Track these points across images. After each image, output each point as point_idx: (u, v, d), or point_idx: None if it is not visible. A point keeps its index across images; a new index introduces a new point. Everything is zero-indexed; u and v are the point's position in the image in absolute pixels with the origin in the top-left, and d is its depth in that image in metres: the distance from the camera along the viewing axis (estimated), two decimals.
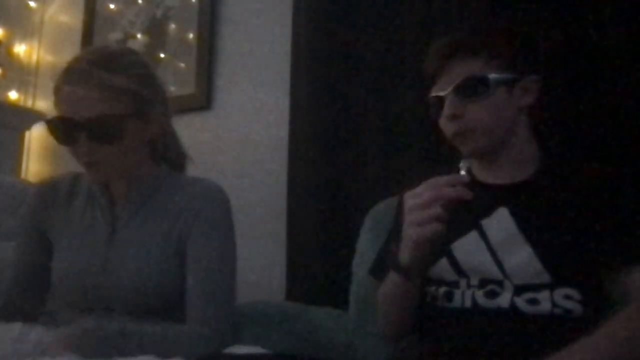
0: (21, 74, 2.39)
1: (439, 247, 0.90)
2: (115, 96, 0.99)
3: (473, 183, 0.98)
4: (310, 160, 1.63)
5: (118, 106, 0.99)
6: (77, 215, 1.11)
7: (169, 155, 1.17)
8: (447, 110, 0.96)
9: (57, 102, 1.00)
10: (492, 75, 0.95)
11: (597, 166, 0.98)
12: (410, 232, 0.85)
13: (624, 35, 1.22)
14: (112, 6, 2.29)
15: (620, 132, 1.19)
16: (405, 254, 0.89)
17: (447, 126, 0.99)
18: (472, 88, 0.95)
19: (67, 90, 0.98)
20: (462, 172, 0.87)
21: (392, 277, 0.96)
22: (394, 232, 1.07)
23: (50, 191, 1.15)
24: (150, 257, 1.04)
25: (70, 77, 0.99)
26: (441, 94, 0.98)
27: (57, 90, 1.00)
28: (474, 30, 1.07)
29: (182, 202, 1.09)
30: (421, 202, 0.83)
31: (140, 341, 0.95)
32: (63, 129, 1.00)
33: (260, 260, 1.72)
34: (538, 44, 1.24)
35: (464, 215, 0.94)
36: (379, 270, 1.09)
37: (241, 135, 1.92)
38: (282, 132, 1.74)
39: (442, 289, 0.97)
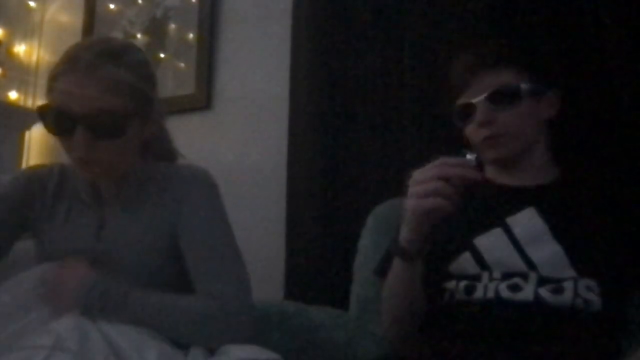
0: (21, 74, 2.39)
1: (439, 228, 0.90)
2: (119, 91, 0.94)
3: (495, 186, 1.05)
4: (310, 160, 1.62)
5: (121, 102, 0.94)
6: (63, 208, 1.08)
7: (162, 152, 1.14)
8: (479, 116, 1.01)
9: (54, 91, 0.94)
10: (524, 85, 1.01)
11: (617, 172, 1.04)
12: (409, 204, 0.87)
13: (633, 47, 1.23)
14: (112, 6, 2.29)
15: (631, 145, 1.21)
16: (404, 231, 0.91)
17: (477, 132, 1.03)
18: (504, 96, 1.01)
19: (69, 80, 0.92)
20: (469, 157, 0.88)
21: (394, 265, 0.97)
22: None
23: (37, 180, 1.10)
24: (140, 253, 1.02)
25: (73, 66, 0.93)
26: (473, 101, 1.02)
27: (55, 78, 0.94)
28: (502, 42, 1.10)
29: (169, 191, 1.05)
30: (424, 177, 0.85)
31: (142, 304, 0.92)
32: (59, 120, 0.94)
33: (259, 260, 1.72)
34: (559, 59, 1.28)
35: (488, 213, 1.00)
36: (383, 269, 1.09)
37: (241, 135, 1.92)
38: (282, 132, 1.74)
39: (463, 283, 0.97)
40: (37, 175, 1.11)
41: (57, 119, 0.95)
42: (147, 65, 1.03)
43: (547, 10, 1.34)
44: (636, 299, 0.95)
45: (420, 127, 1.46)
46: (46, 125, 0.98)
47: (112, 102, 0.93)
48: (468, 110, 1.04)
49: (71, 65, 0.93)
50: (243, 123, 1.93)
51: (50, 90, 0.96)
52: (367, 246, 1.30)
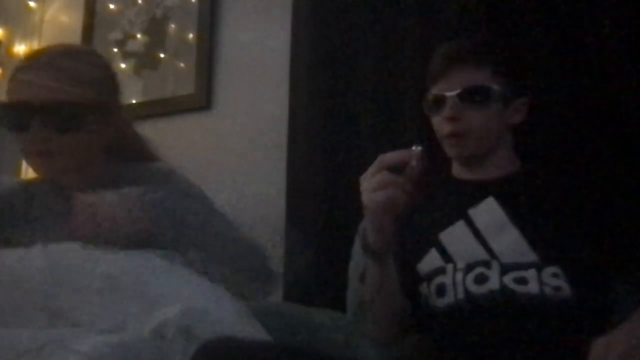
0: None
1: (402, 219, 0.92)
2: (76, 83, 0.96)
3: (458, 182, 1.09)
4: (310, 160, 1.63)
5: (78, 94, 0.96)
6: (37, 225, 1.03)
7: (134, 154, 1.12)
8: (448, 110, 1.02)
9: (12, 89, 0.97)
10: (496, 88, 1.03)
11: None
12: (364, 199, 0.88)
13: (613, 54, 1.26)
14: (112, 6, 2.29)
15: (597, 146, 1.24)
16: (368, 230, 0.92)
17: (443, 126, 1.05)
18: (475, 95, 1.02)
19: (27, 76, 0.95)
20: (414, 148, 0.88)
21: (368, 266, 0.99)
22: None
23: (4, 203, 1.06)
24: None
25: (33, 62, 0.97)
26: (445, 94, 1.03)
27: (12, 77, 0.97)
28: (484, 41, 1.12)
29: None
30: (369, 173, 0.87)
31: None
32: (16, 114, 0.95)
33: None
34: (535, 67, 1.30)
35: (451, 207, 1.03)
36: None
37: (241, 135, 1.92)
38: (282, 132, 1.74)
39: (433, 285, 0.99)
40: (2, 198, 1.07)
41: (14, 113, 0.96)
42: (107, 66, 1.05)
43: (533, 19, 1.36)
44: (618, 291, 0.96)
45: (421, 128, 1.45)
46: (3, 122, 0.98)
47: (69, 93, 0.95)
48: (439, 102, 1.05)
49: (30, 62, 0.97)
50: (243, 123, 1.93)
51: (7, 91, 0.97)
52: (360, 252, 1.30)
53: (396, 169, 0.85)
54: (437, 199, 1.09)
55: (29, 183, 1.11)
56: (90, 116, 0.98)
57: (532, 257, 0.93)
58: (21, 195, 1.07)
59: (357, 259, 1.30)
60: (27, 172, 2.30)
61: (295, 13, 1.78)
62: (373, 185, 0.85)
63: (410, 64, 1.52)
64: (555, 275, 0.91)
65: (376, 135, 1.55)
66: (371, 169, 0.87)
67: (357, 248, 1.33)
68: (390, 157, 0.86)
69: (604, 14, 1.28)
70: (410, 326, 1.06)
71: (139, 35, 2.20)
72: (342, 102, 1.62)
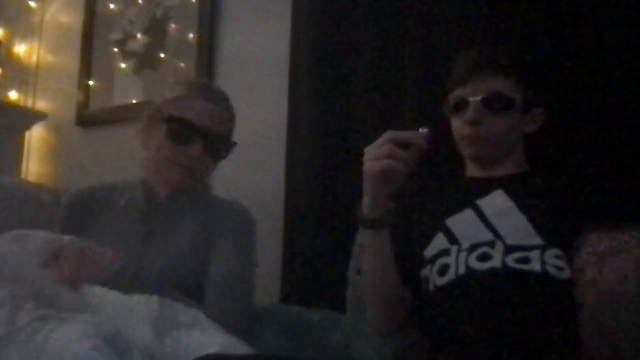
0: (21, 74, 2.39)
1: (398, 189, 0.96)
2: (231, 125, 1.26)
3: (469, 179, 1.13)
4: (309, 161, 1.62)
5: (230, 133, 1.26)
6: (116, 220, 1.20)
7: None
8: (470, 115, 1.06)
9: (182, 108, 1.18)
10: (519, 98, 1.07)
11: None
12: (365, 167, 0.94)
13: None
14: (112, 6, 2.29)
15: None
16: (364, 198, 0.97)
17: (463, 128, 1.09)
18: (498, 102, 1.06)
19: (202, 103, 1.19)
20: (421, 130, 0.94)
21: (365, 240, 1.02)
22: None
23: (85, 200, 1.25)
24: (179, 258, 1.15)
25: (206, 93, 1.21)
26: (470, 99, 1.06)
27: (184, 98, 1.19)
28: (509, 50, 1.15)
29: (215, 218, 1.22)
30: (375, 144, 0.93)
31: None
32: (184, 130, 1.17)
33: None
34: (556, 79, 1.31)
35: (460, 198, 1.08)
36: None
37: (241, 135, 1.91)
38: (281, 133, 1.74)
39: (437, 265, 1.01)
40: (83, 195, 1.26)
41: (182, 130, 1.18)
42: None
43: (553, 30, 1.34)
44: None
45: (420, 127, 1.46)
46: (170, 133, 1.18)
47: (227, 129, 1.25)
48: (461, 105, 1.08)
49: (203, 91, 1.23)
50: (242, 123, 1.92)
51: (173, 104, 1.20)
52: (360, 251, 1.30)
53: (402, 146, 0.90)
54: (448, 193, 1.13)
55: (117, 184, 1.27)
56: (230, 147, 1.27)
57: (536, 240, 0.95)
58: (104, 194, 1.25)
59: (357, 258, 1.30)
60: (27, 172, 2.31)
61: (295, 13, 1.78)
62: (376, 154, 0.90)
63: (411, 62, 1.52)
64: (557, 256, 0.94)
65: (375, 135, 1.54)
66: (378, 141, 0.92)
67: (357, 247, 1.32)
68: (398, 134, 0.91)
69: (606, 24, 1.27)
70: (410, 319, 1.07)
71: (139, 35, 2.20)
72: (342, 102, 1.62)
